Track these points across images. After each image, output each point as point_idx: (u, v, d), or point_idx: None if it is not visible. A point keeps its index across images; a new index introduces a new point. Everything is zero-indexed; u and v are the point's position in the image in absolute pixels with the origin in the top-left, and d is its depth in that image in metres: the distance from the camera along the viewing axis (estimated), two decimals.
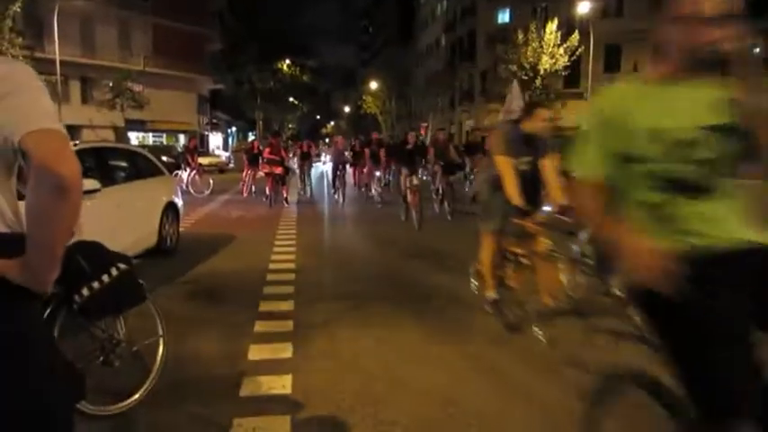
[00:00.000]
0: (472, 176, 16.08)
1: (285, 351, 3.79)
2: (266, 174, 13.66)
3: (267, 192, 13.36)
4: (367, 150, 15.33)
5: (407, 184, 9.99)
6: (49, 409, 1.36)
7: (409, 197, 9.87)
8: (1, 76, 1.27)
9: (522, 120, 4.30)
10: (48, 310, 2.54)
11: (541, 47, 30.51)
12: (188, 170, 16.38)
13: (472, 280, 4.94)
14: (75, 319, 2.68)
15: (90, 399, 2.70)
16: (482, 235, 4.44)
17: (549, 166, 4.22)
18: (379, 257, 7.36)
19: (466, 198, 13.25)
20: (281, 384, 3.26)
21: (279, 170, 13.36)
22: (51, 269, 1.31)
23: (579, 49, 29.95)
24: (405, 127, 53.09)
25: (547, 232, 4.06)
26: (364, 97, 54.44)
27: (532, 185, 4.18)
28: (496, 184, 4.19)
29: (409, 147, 10.79)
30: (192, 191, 15.45)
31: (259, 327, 4.30)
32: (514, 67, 31.07)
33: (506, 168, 4.09)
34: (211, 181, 16.52)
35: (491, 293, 4.46)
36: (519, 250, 4.27)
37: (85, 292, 2.51)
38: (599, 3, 30.16)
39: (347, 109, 75.48)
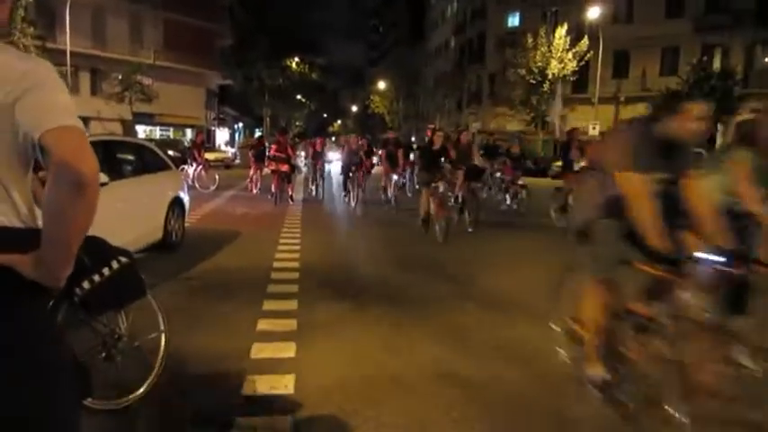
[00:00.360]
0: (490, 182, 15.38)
1: (288, 350, 3.80)
2: (272, 171, 13.66)
3: (273, 189, 13.37)
4: (383, 151, 14.37)
5: (433, 193, 8.78)
6: (56, 406, 1.37)
7: (433, 207, 8.72)
8: (23, 72, 1.28)
9: (662, 118, 2.95)
10: (49, 305, 2.55)
11: (550, 51, 30.50)
12: (194, 165, 16.46)
13: (560, 348, 3.67)
14: (77, 314, 2.69)
15: (95, 393, 2.71)
16: (587, 283, 3.22)
17: (695, 187, 2.98)
18: (387, 261, 7.36)
19: (490, 206, 12.82)
20: (284, 384, 3.27)
21: (285, 168, 13.40)
22: (65, 265, 1.32)
23: (588, 55, 29.89)
24: (411, 127, 53.15)
25: (703, 289, 2.87)
26: (372, 97, 54.43)
27: (672, 214, 2.95)
28: (614, 210, 2.98)
29: (436, 148, 9.40)
30: (197, 186, 15.49)
31: (262, 325, 4.31)
32: (523, 71, 31.07)
33: (639, 191, 2.81)
34: (217, 177, 16.54)
35: (598, 371, 3.14)
36: (644, 310, 3.00)
37: (86, 284, 2.49)
38: (609, 8, 30.08)
39: (354, 108, 75.50)
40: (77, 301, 2.52)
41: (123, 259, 2.70)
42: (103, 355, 2.89)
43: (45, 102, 1.27)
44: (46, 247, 1.27)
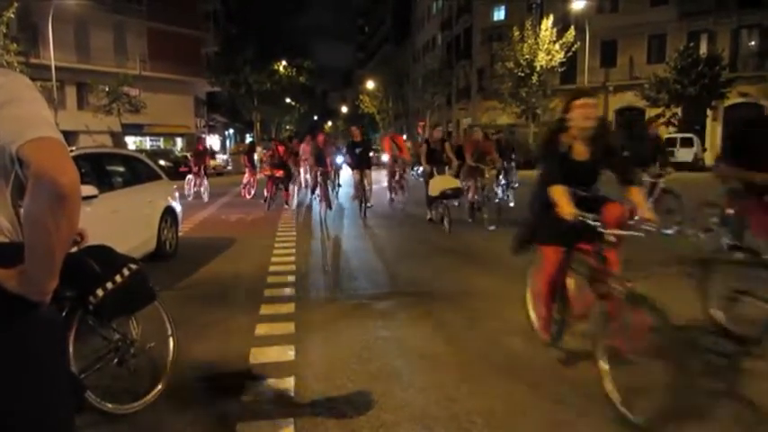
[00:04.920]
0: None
1: (287, 353, 3.78)
2: (267, 176, 13.49)
3: (265, 193, 13.23)
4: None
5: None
6: (48, 416, 1.34)
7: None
8: None
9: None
10: (63, 315, 2.60)
11: (537, 43, 30.55)
12: (194, 176, 15.43)
13: None
14: (90, 322, 2.77)
15: (110, 398, 2.84)
16: None
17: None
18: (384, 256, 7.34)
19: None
20: (284, 387, 3.25)
21: (280, 173, 13.24)
22: (50, 278, 1.29)
23: (575, 45, 29.98)
24: (402, 125, 53.09)
25: None
26: (361, 97, 54.36)
27: None
28: None
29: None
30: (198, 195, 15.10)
31: (260, 329, 4.29)
32: (511, 64, 31.12)
33: None
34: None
35: None
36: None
37: (100, 292, 2.56)
38: None
39: (344, 109, 75.46)
40: (92, 309, 2.59)
41: (133, 266, 2.79)
42: (117, 360, 2.97)
43: (22, 114, 1.25)
44: (29, 260, 1.25)
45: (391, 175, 12.79)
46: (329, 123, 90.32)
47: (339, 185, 16.58)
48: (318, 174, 11.99)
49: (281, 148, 13.81)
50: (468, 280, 5.86)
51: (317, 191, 12.11)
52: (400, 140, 13.14)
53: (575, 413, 2.91)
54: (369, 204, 11.39)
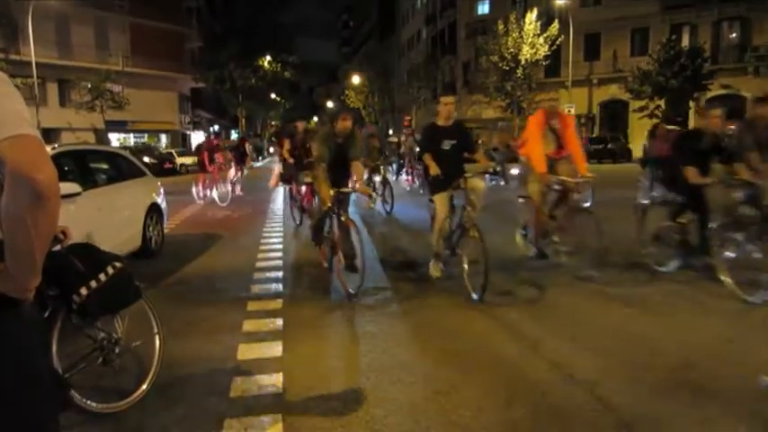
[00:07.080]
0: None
1: (275, 349, 3.77)
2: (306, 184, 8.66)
3: (298, 209, 9.24)
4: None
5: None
6: (30, 416, 1.33)
7: None
8: None
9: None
10: (46, 313, 2.58)
11: (521, 37, 30.66)
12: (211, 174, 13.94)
13: None
14: (74, 321, 2.74)
15: (96, 397, 2.82)
16: None
17: None
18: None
19: None
20: (272, 383, 3.25)
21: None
22: (31, 276, 1.28)
23: (559, 39, 30.13)
24: (388, 121, 53.00)
25: None
26: (347, 92, 54.16)
27: None
28: None
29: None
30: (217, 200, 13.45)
31: (248, 326, 4.27)
32: (496, 58, 31.22)
33: None
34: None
35: None
36: None
37: (84, 291, 2.54)
38: None
39: (330, 104, 75.18)
40: (76, 308, 2.57)
41: (118, 264, 2.77)
42: (101, 359, 2.95)
43: None
44: (9, 258, 1.24)
45: (541, 198, 5.86)
46: (315, 119, 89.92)
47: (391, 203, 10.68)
48: (333, 197, 5.21)
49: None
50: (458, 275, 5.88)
51: (328, 228, 5.59)
52: (568, 122, 5.95)
53: (561, 404, 2.94)
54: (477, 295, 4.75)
